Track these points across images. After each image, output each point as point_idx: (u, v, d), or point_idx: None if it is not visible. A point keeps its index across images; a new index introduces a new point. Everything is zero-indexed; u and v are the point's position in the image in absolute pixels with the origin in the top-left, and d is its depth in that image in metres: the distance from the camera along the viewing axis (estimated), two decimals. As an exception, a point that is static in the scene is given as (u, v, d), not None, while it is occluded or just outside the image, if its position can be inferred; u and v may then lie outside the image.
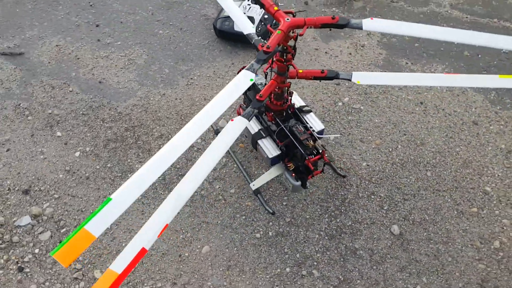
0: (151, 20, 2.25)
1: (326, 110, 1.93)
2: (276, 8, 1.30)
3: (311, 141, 1.49)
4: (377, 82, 1.42)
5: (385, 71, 2.06)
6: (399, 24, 1.39)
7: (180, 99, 1.93)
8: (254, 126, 1.57)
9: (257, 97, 1.34)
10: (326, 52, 2.17)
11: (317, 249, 1.56)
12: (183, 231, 1.56)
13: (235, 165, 1.73)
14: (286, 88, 1.48)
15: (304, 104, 1.65)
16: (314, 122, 1.61)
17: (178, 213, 1.51)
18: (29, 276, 1.46)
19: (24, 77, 1.96)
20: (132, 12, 2.28)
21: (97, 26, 2.19)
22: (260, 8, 2.13)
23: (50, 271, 1.47)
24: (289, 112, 1.58)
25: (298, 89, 2.00)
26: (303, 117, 1.61)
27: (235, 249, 1.54)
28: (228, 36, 2.16)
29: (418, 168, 1.77)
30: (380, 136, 1.88)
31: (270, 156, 1.50)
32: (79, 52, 2.08)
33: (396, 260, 1.54)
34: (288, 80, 1.50)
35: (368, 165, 1.79)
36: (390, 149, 1.85)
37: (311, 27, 1.34)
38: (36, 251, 1.51)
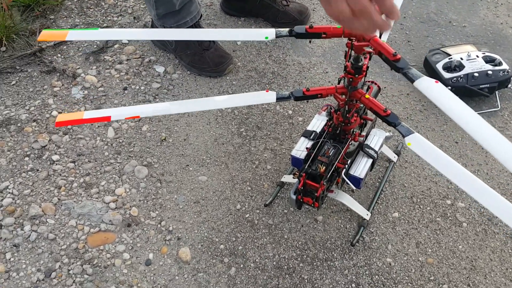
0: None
1: (426, 195, 1.54)
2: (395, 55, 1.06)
3: (324, 167, 1.31)
4: (429, 160, 1.07)
5: None
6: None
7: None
8: (314, 126, 1.48)
9: (304, 90, 1.28)
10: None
11: (256, 257, 1.41)
12: (210, 156, 1.68)
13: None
14: (348, 108, 1.31)
15: (377, 149, 1.41)
16: (359, 166, 1.37)
17: (223, 144, 1.67)
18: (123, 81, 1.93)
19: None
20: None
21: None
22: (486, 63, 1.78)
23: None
24: (347, 137, 1.39)
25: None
26: (356, 154, 1.40)
27: (216, 198, 1.57)
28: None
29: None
30: (439, 260, 1.40)
31: (292, 153, 1.42)
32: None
33: None
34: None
35: (390, 264, 1.40)
36: (433, 278, 1.36)
37: (372, 54, 1.13)
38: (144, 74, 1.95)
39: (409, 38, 2.13)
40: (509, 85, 1.79)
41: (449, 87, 1.76)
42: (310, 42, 2.07)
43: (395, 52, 1.05)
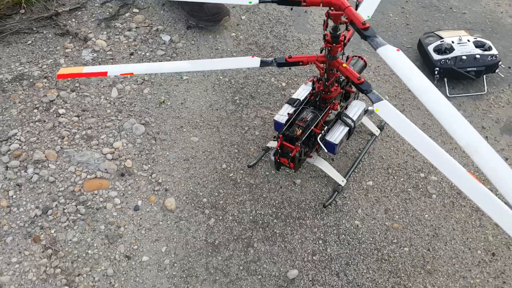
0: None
1: (402, 167, 1.62)
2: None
3: (301, 130, 1.41)
4: (394, 125, 1.14)
5: None
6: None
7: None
8: (299, 95, 1.57)
9: (286, 57, 1.38)
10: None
11: (235, 211, 1.53)
12: (204, 120, 1.79)
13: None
14: (328, 76, 1.39)
15: (354, 119, 1.49)
16: (336, 133, 1.46)
17: (217, 109, 1.78)
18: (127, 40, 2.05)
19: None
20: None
21: None
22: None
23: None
24: (327, 105, 1.48)
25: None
26: (334, 122, 1.49)
27: (204, 157, 1.68)
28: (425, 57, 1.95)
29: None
30: (404, 226, 1.49)
31: (274, 118, 1.52)
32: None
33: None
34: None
35: (358, 226, 1.50)
36: (395, 241, 1.46)
37: (347, 26, 1.21)
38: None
39: (408, 22, 2.19)
40: (497, 70, 1.84)
41: (438, 68, 1.83)
42: (291, 9, 2.16)
43: (364, 22, 1.14)
